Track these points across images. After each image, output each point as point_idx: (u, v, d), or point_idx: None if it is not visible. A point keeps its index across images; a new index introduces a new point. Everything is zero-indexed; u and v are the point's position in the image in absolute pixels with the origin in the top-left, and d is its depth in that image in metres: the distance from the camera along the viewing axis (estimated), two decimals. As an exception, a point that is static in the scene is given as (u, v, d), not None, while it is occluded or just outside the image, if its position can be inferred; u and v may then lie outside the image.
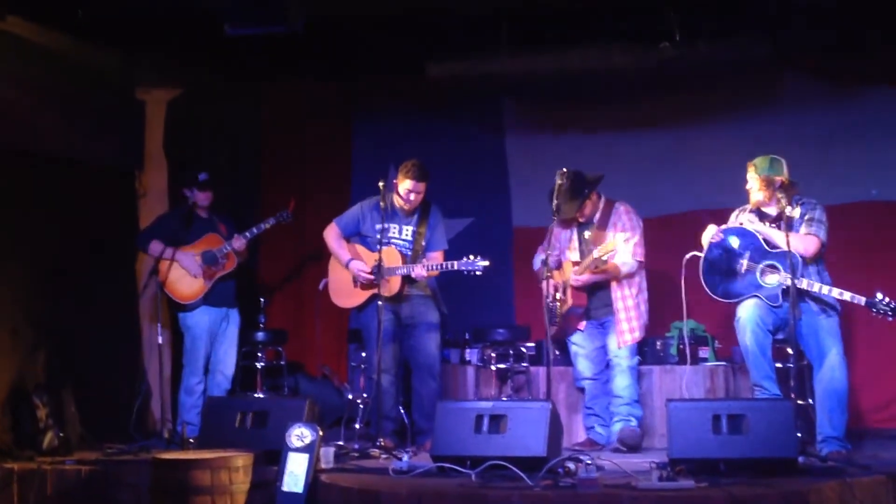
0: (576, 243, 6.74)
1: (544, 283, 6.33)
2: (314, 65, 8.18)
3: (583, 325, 6.73)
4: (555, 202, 6.27)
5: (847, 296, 5.92)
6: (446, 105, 8.38)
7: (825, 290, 5.97)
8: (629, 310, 6.60)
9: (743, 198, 6.51)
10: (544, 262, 6.35)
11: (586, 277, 6.54)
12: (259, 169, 8.78)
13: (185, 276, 7.14)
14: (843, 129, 7.74)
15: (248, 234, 7.23)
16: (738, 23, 7.07)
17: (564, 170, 6.25)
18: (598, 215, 6.69)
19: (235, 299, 7.35)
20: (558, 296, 6.67)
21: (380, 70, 8.24)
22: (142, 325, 7.70)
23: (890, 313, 5.85)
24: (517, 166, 8.50)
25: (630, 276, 6.60)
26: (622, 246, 6.44)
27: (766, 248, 6.18)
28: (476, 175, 8.53)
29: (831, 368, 6.02)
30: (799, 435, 5.43)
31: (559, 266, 6.79)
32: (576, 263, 6.61)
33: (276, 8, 6.20)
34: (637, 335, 6.63)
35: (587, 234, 6.70)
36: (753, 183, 6.23)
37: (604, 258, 6.40)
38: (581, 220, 6.71)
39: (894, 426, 7.30)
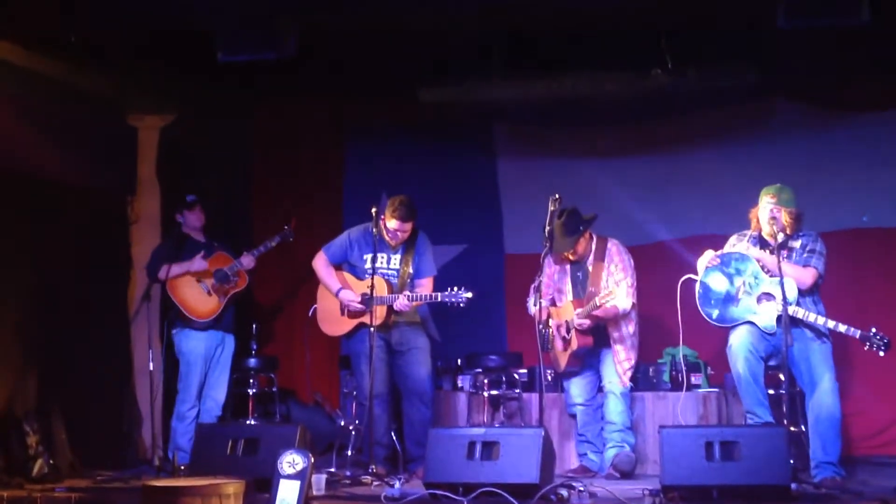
0: (569, 285, 6.73)
1: (536, 310, 6.32)
2: (306, 90, 8.20)
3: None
4: (547, 227, 6.26)
5: (842, 328, 5.95)
6: (438, 130, 8.40)
7: (820, 320, 5.99)
8: (624, 340, 6.61)
9: (735, 223, 6.55)
10: (536, 289, 6.34)
11: (590, 322, 6.52)
12: (251, 193, 8.77)
13: (200, 293, 7.15)
14: (833, 156, 7.75)
15: (255, 251, 7.29)
16: (728, 50, 7.12)
17: (557, 195, 6.23)
18: (591, 255, 6.67)
19: (233, 325, 7.35)
20: (560, 331, 6.64)
21: (372, 95, 8.25)
22: (133, 351, 7.68)
23: (883, 347, 5.88)
24: (509, 192, 8.49)
25: (625, 315, 6.60)
26: (619, 290, 6.46)
27: (763, 274, 6.20)
28: (468, 201, 8.52)
29: (824, 395, 6.02)
30: (792, 462, 5.42)
31: (553, 304, 6.78)
32: (576, 303, 6.58)
33: (268, 34, 6.22)
34: (633, 362, 6.66)
35: (580, 274, 6.69)
36: (771, 213, 6.18)
37: (603, 301, 6.38)
38: (572, 258, 6.69)
39: (885, 453, 7.29)
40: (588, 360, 6.71)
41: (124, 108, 7.90)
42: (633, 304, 6.61)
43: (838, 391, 6.06)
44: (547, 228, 6.24)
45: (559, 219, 6.48)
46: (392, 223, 6.68)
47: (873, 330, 5.91)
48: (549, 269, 6.75)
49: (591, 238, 6.70)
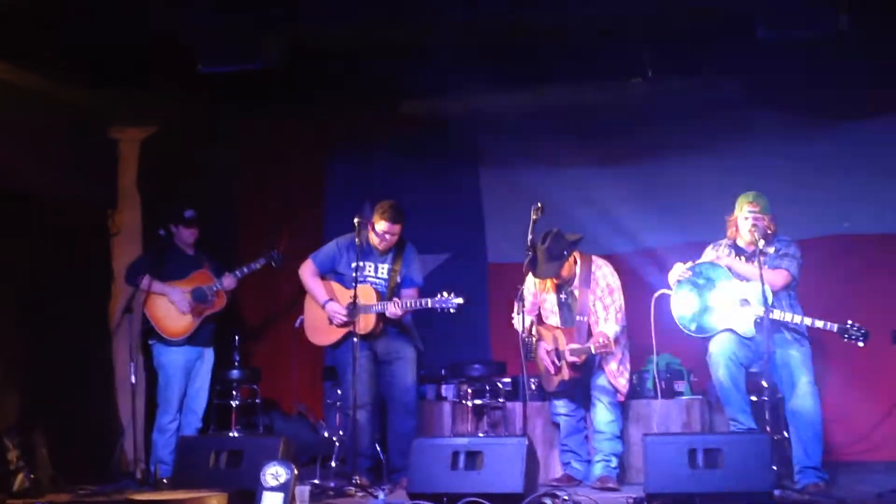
0: (555, 306, 6.67)
1: (518, 318, 6.31)
2: (288, 102, 8.19)
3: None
4: (530, 236, 6.24)
5: (819, 323, 6.01)
6: (420, 141, 8.41)
7: (797, 319, 6.05)
8: (616, 356, 6.56)
9: (718, 231, 6.58)
10: (520, 299, 6.31)
11: (582, 359, 6.49)
12: (233, 206, 8.75)
13: (173, 311, 7.12)
14: (814, 164, 7.79)
15: (238, 273, 7.27)
16: (709, 60, 7.15)
17: (539, 204, 6.22)
18: (576, 278, 6.58)
19: (212, 340, 7.32)
20: (550, 355, 6.61)
21: (354, 107, 8.25)
22: (115, 364, 7.64)
23: (861, 338, 5.94)
24: (492, 202, 8.51)
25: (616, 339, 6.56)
26: (608, 316, 6.44)
27: (736, 281, 6.24)
28: (451, 211, 8.53)
29: (804, 397, 6.06)
30: (774, 468, 5.43)
31: (540, 321, 6.76)
32: (565, 332, 6.52)
33: (248, 46, 6.22)
34: (627, 375, 6.61)
35: (565, 296, 6.63)
36: (754, 222, 6.22)
37: (599, 351, 6.36)
38: (557, 281, 6.63)
39: (868, 458, 7.32)
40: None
41: (105, 121, 7.87)
42: (622, 326, 6.54)
43: (818, 394, 6.11)
44: (529, 237, 6.23)
45: (542, 243, 6.38)
46: (381, 225, 6.65)
47: (849, 322, 5.98)
48: (534, 286, 6.70)
49: (576, 260, 6.62)
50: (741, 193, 6.38)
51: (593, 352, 6.33)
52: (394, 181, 8.31)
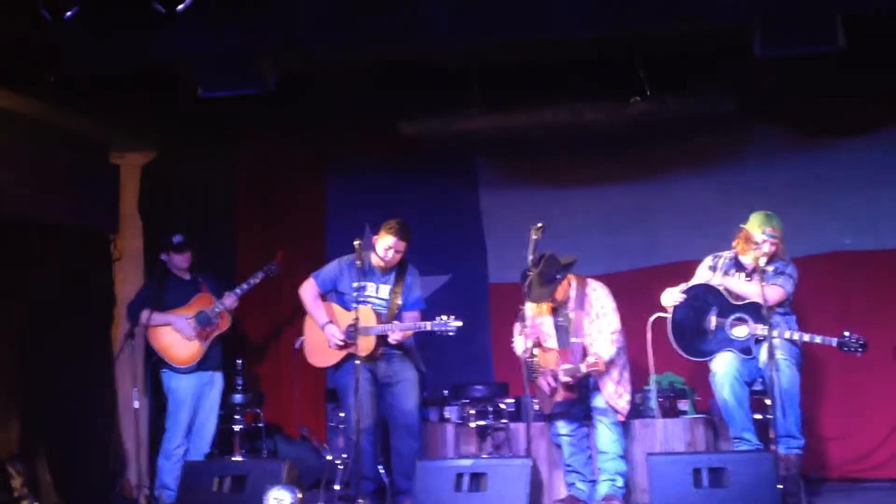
0: (552, 329, 6.65)
1: (520, 340, 6.29)
2: (287, 125, 8.22)
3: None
4: (530, 257, 6.25)
5: (818, 339, 6.04)
6: (420, 162, 8.42)
7: (796, 336, 6.07)
8: (613, 378, 6.54)
9: (718, 248, 6.59)
10: (521, 318, 6.31)
11: (576, 380, 6.47)
12: (234, 229, 8.75)
13: (180, 339, 7.13)
14: (814, 180, 7.79)
15: (238, 290, 7.27)
16: (707, 77, 7.18)
17: (539, 224, 6.23)
18: (571, 301, 6.57)
19: (222, 363, 7.33)
20: (546, 377, 6.59)
21: (353, 128, 8.28)
22: (118, 389, 7.64)
23: (859, 349, 5.97)
24: (492, 222, 8.50)
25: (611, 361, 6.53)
26: (601, 337, 6.42)
27: (732, 301, 6.25)
28: (451, 232, 8.53)
29: (783, 371, 6.02)
30: (780, 486, 5.42)
31: (538, 344, 6.74)
32: (561, 354, 6.51)
33: (249, 70, 6.24)
34: (628, 397, 6.58)
35: (562, 319, 6.60)
36: (769, 246, 6.24)
37: (590, 370, 6.35)
38: (553, 304, 6.60)
39: (872, 476, 7.29)
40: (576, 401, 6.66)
41: (106, 146, 7.89)
42: (619, 348, 6.51)
43: (797, 367, 6.14)
44: (529, 257, 6.23)
45: (536, 267, 6.35)
46: (387, 240, 6.63)
47: (846, 333, 6.01)
48: (531, 310, 6.66)
49: (570, 283, 6.61)
50: (745, 211, 6.38)
51: (584, 371, 6.31)
52: (394, 202, 8.30)
